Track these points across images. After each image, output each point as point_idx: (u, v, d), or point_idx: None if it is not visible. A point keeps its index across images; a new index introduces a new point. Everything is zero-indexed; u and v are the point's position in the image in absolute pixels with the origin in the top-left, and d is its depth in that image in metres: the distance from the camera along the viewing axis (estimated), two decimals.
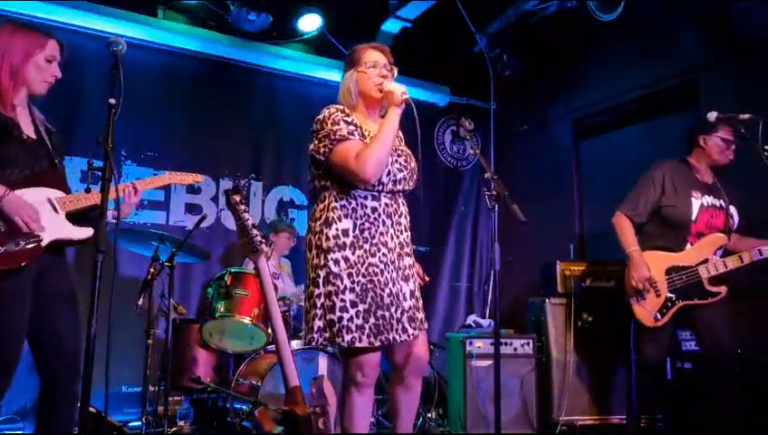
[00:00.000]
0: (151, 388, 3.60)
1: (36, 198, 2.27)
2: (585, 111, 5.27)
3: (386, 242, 2.33)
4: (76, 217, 2.38)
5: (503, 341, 4.04)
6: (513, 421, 3.95)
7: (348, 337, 2.21)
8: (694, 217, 3.23)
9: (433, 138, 6.03)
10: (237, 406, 3.58)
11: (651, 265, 3.22)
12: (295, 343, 3.65)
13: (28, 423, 3.70)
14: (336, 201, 2.32)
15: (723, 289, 3.17)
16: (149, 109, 4.68)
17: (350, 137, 2.30)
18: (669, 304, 3.20)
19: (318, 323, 2.27)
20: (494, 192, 2.49)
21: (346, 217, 2.30)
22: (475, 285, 5.93)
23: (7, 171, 2.23)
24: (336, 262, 2.26)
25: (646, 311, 3.22)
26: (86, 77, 4.30)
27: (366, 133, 2.35)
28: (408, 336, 2.31)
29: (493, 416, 2.71)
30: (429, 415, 4.23)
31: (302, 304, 3.71)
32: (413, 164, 2.46)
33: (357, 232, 2.30)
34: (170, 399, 3.61)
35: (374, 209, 2.33)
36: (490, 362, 3.93)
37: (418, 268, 2.56)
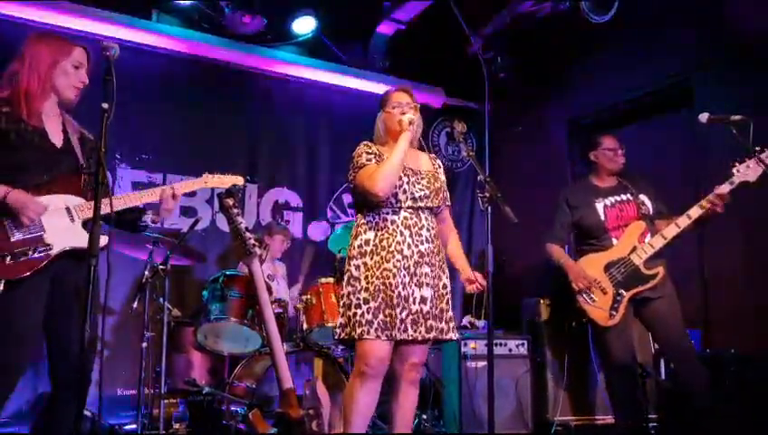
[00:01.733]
0: (146, 391, 3.60)
1: (54, 205, 2.28)
2: (579, 112, 5.28)
3: (401, 250, 2.61)
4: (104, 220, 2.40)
5: (498, 342, 4.05)
6: (508, 422, 3.97)
7: (359, 330, 2.53)
8: (603, 218, 3.46)
9: (428, 139, 6.03)
10: (233, 408, 3.58)
11: (589, 268, 3.39)
12: (288, 346, 3.65)
13: (23, 427, 3.70)
14: (363, 218, 2.72)
15: (659, 270, 3.30)
16: (144, 112, 4.68)
17: (367, 163, 2.68)
18: (618, 297, 3.31)
19: (341, 320, 2.64)
20: (487, 194, 2.56)
21: (370, 229, 2.67)
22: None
23: (26, 177, 2.25)
24: (357, 267, 2.63)
25: (599, 310, 3.33)
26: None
27: None
28: (408, 337, 2.55)
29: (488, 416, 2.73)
30: (425, 416, 4.24)
31: (298, 306, 3.75)
32: (437, 184, 2.78)
33: (376, 241, 2.64)
34: (165, 401, 3.61)
35: (393, 222, 2.65)
36: (485, 362, 3.94)
37: (478, 276, 2.79)
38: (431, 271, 2.66)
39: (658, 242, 3.28)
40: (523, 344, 4.15)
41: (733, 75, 4.06)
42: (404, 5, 4.94)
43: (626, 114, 4.93)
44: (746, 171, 3.09)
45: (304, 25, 5.07)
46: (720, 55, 4.18)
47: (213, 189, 4.93)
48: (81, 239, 2.31)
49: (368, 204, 2.68)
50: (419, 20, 5.09)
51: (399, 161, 2.62)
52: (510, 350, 4.12)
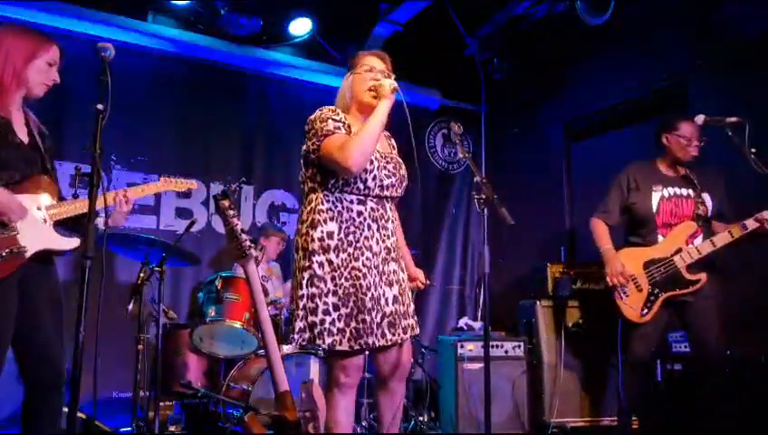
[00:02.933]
0: (142, 393, 3.58)
1: (27, 205, 2.26)
2: (575, 114, 5.29)
3: (370, 246, 2.35)
4: (69, 222, 2.38)
5: (494, 343, 4.05)
6: (504, 423, 3.97)
7: (329, 340, 2.25)
8: (655, 210, 3.34)
9: (424, 141, 6.04)
10: (228, 411, 3.57)
11: (629, 262, 3.31)
12: (285, 348, 3.64)
13: (16, 431, 3.68)
14: (322, 204, 2.34)
15: (702, 276, 3.22)
16: (139, 113, 4.66)
17: (336, 131, 2.32)
18: (652, 297, 3.27)
19: (299, 324, 2.30)
20: (484, 196, 2.54)
21: (332, 219, 2.32)
22: (466, 287, 5.94)
23: (2, 175, 2.22)
24: (321, 265, 2.29)
25: (631, 308, 3.28)
26: (75, 81, 4.27)
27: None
28: (387, 341, 2.32)
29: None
30: (421, 418, 4.23)
31: (293, 307, 3.74)
32: (402, 172, 2.49)
33: (342, 235, 2.32)
34: (161, 404, 3.59)
35: (359, 213, 2.35)
36: (481, 364, 3.93)
37: (419, 274, 2.64)
38: (396, 266, 2.44)
39: (706, 248, 3.20)
40: (519, 346, 4.15)
41: (727, 78, 4.07)
42: (400, 7, 4.93)
43: (621, 116, 4.94)
44: None
45: (300, 27, 5.06)
46: (714, 58, 4.19)
47: (209, 191, 4.94)
48: (53, 241, 2.31)
49: (329, 187, 2.35)
50: (416, 21, 5.08)
51: (378, 131, 2.29)
52: (506, 352, 4.12)
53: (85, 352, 1.92)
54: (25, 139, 2.34)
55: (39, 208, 2.30)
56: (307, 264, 2.31)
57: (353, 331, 2.27)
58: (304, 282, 2.31)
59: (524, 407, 4.05)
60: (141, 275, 3.53)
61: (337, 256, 2.30)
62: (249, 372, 3.61)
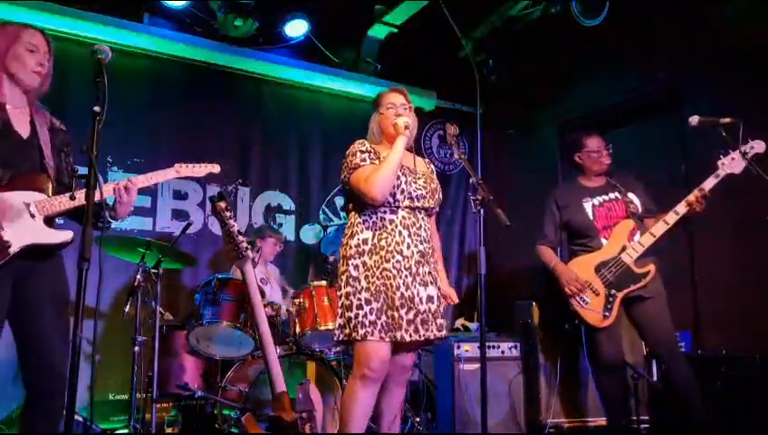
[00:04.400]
0: (138, 395, 3.58)
1: (13, 201, 2.24)
2: (570, 115, 5.31)
3: (401, 250, 2.59)
4: (74, 216, 2.37)
5: (490, 344, 4.06)
6: (501, 424, 3.97)
7: (362, 331, 2.47)
8: (591, 217, 3.46)
9: (420, 142, 6.05)
10: (225, 412, 3.57)
11: (580, 269, 3.39)
12: (281, 349, 3.65)
13: (14, 432, 3.67)
14: (359, 217, 2.67)
15: (651, 268, 3.30)
16: (135, 115, 4.66)
17: (362, 164, 2.64)
18: (611, 298, 3.31)
19: (340, 321, 2.59)
20: (479, 197, 2.56)
21: (367, 229, 2.63)
22: (462, 288, 5.95)
23: None
24: (356, 267, 2.57)
25: (593, 312, 3.33)
26: (71, 83, 4.28)
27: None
28: (420, 337, 2.53)
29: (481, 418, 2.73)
30: (418, 419, 4.24)
31: (290, 309, 3.75)
32: (434, 185, 2.77)
33: (375, 241, 2.59)
34: (158, 406, 3.60)
35: (391, 221, 2.62)
36: (478, 365, 3.93)
37: (452, 292, 2.84)
38: (431, 270, 2.67)
39: (648, 240, 3.28)
40: (515, 347, 4.16)
41: (720, 79, 4.10)
42: (396, 8, 4.94)
43: (615, 117, 4.96)
44: (731, 163, 3.11)
45: (296, 29, 5.07)
46: (708, 59, 4.21)
47: (205, 193, 4.93)
48: (42, 235, 2.28)
49: (365, 204, 2.64)
50: (411, 23, 5.10)
51: (396, 165, 2.59)
52: (502, 352, 4.13)
53: (82, 354, 1.92)
54: (25, 134, 2.33)
55: (28, 204, 2.27)
56: (344, 268, 2.60)
57: (384, 324, 2.49)
58: (342, 283, 2.59)
59: (521, 407, 4.05)
60: (138, 276, 3.53)
61: (370, 259, 2.56)
62: (246, 374, 3.61)
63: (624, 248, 3.33)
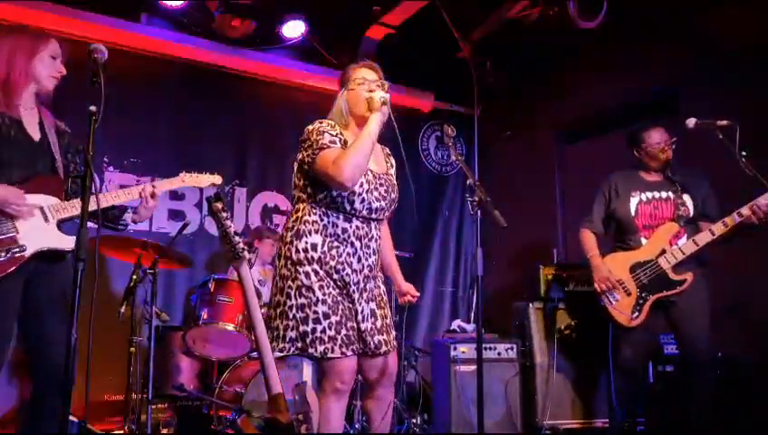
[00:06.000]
0: (134, 396, 3.57)
1: (29, 204, 2.26)
2: (568, 117, 5.31)
3: (351, 263, 2.40)
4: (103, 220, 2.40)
5: (487, 345, 4.06)
6: (497, 425, 3.97)
7: (321, 348, 2.30)
8: (633, 213, 3.38)
9: (417, 143, 6.05)
10: (221, 414, 3.56)
11: (615, 267, 3.34)
12: (278, 350, 3.63)
13: (9, 432, 3.66)
14: (309, 215, 2.40)
15: (688, 276, 3.23)
16: (132, 115, 4.65)
17: (331, 145, 2.35)
18: (641, 300, 3.28)
19: (290, 334, 2.34)
20: (477, 198, 2.54)
21: (316, 232, 2.38)
22: (459, 289, 5.95)
23: (6, 174, 2.23)
24: (307, 275, 2.34)
25: (621, 312, 3.30)
26: (68, 83, 4.26)
27: None
28: (369, 351, 2.40)
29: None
30: (414, 420, 4.23)
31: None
32: (394, 195, 2.53)
33: (325, 248, 2.37)
34: (153, 407, 3.59)
35: (344, 230, 2.40)
36: (474, 366, 3.93)
37: (410, 288, 2.69)
38: (374, 284, 2.50)
39: (689, 248, 3.20)
40: (512, 348, 4.16)
41: (717, 81, 4.10)
42: (394, 9, 4.94)
43: (613, 119, 4.96)
44: None
45: (294, 29, 5.06)
46: (705, 62, 4.22)
47: (202, 193, 4.92)
48: (55, 240, 2.30)
49: (318, 201, 2.40)
50: (409, 24, 5.09)
51: (370, 146, 2.32)
52: (499, 353, 4.13)
53: (77, 355, 1.91)
54: (36, 136, 2.35)
55: (42, 208, 2.30)
56: (293, 274, 2.36)
57: (344, 338, 2.33)
58: (293, 293, 2.35)
59: (517, 409, 4.05)
60: (134, 277, 3.52)
61: (321, 268, 2.35)
62: (242, 375, 3.61)
63: (663, 252, 3.26)
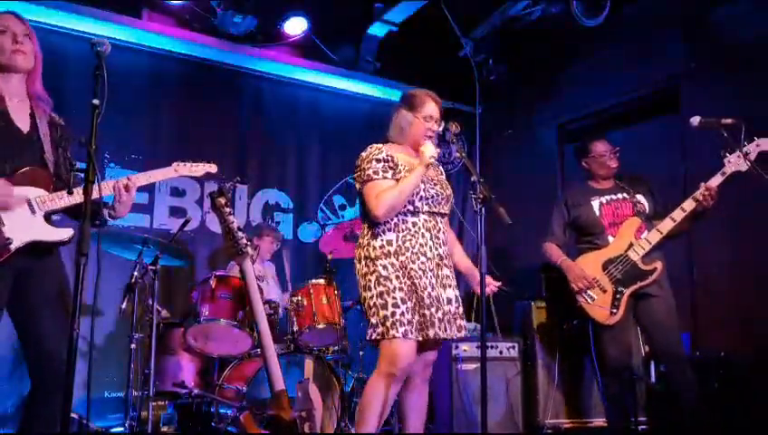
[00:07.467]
0: (134, 393, 3.56)
1: (15, 196, 2.22)
2: (569, 115, 5.30)
3: (425, 252, 2.65)
4: (70, 213, 2.34)
5: (489, 344, 4.05)
6: (498, 424, 3.96)
7: (401, 329, 2.51)
8: (598, 214, 3.47)
9: None
10: (222, 411, 3.54)
11: (587, 266, 3.39)
12: (279, 347, 3.63)
13: (9, 429, 3.65)
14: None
15: (658, 265, 3.29)
16: (134, 111, 4.64)
17: (374, 177, 2.66)
18: (618, 295, 3.31)
19: (372, 320, 2.59)
20: (481, 195, 2.53)
21: (390, 230, 2.66)
22: (461, 288, 5.92)
23: None
24: (385, 267, 2.61)
25: (600, 309, 3.32)
26: (69, 78, 4.25)
27: (402, 168, 2.69)
28: (448, 335, 2.63)
29: (479, 419, 2.72)
30: None
31: (288, 307, 3.72)
32: (448, 192, 2.84)
33: (399, 242, 2.63)
34: (154, 404, 3.57)
35: (414, 224, 2.67)
36: (476, 365, 3.93)
37: (488, 277, 2.76)
38: (450, 273, 2.74)
39: (655, 237, 3.27)
40: (514, 347, 4.15)
41: (720, 79, 4.09)
42: (395, 7, 4.93)
43: (615, 118, 4.96)
44: (737, 161, 3.09)
45: (295, 26, 5.05)
46: (708, 60, 4.21)
47: (203, 189, 4.91)
48: (42, 232, 2.27)
49: None
50: (411, 22, 5.08)
51: (410, 191, 2.63)
52: (501, 352, 4.12)
53: (78, 352, 1.90)
54: (25, 128, 2.31)
55: (29, 200, 2.26)
56: (372, 268, 2.63)
57: (417, 323, 2.56)
58: (372, 283, 2.61)
59: (518, 408, 4.04)
60: (135, 273, 3.51)
61: (397, 259, 2.61)
62: (243, 372, 3.59)
63: (631, 245, 3.32)
